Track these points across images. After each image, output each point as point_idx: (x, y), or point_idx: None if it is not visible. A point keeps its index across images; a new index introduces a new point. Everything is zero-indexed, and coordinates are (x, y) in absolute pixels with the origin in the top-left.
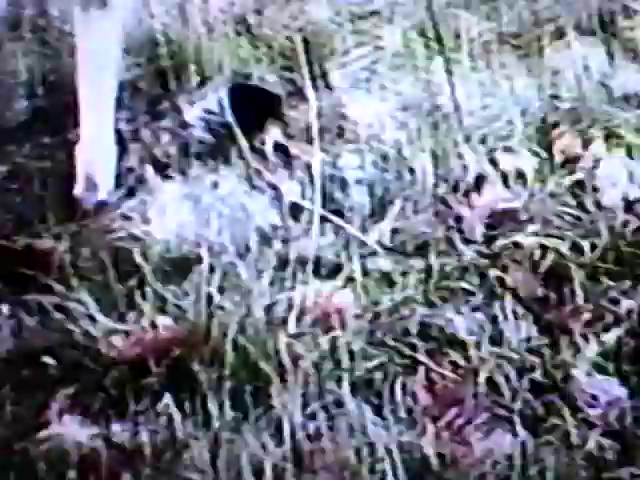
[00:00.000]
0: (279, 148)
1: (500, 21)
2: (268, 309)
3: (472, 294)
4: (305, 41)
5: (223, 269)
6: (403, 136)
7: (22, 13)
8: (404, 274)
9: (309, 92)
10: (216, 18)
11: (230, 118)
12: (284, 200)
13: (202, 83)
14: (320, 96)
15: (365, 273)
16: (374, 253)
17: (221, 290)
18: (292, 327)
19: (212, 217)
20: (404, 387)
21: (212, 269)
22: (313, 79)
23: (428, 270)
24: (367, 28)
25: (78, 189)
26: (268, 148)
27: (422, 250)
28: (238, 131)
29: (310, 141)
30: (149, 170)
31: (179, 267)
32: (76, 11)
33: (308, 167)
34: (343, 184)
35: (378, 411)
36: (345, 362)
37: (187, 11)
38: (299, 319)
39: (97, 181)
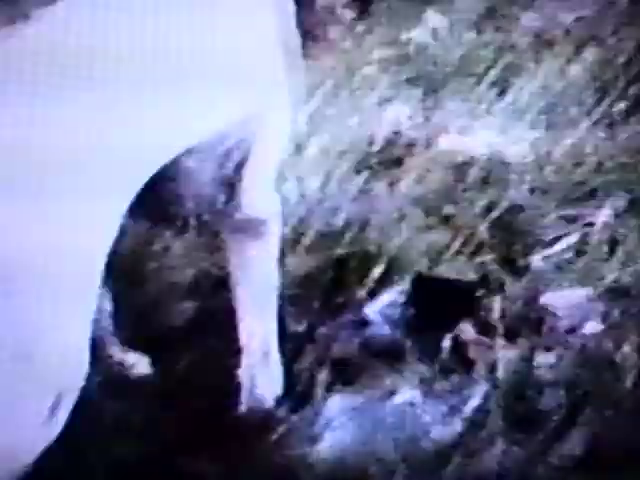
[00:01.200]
0: (457, 349)
1: None
2: None
3: None
4: (504, 229)
5: None
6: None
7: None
8: None
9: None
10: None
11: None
12: (464, 408)
13: (386, 274)
14: (515, 283)
15: None
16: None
17: None
18: None
19: (384, 430)
20: None
21: None
22: (510, 263)
23: None
24: (575, 213)
25: (243, 406)
26: (445, 349)
27: (623, 463)
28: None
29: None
30: (323, 374)
31: None
32: (228, 238)
33: (492, 368)
34: (536, 385)
35: None
36: None
37: (372, 197)
38: None
39: (261, 396)
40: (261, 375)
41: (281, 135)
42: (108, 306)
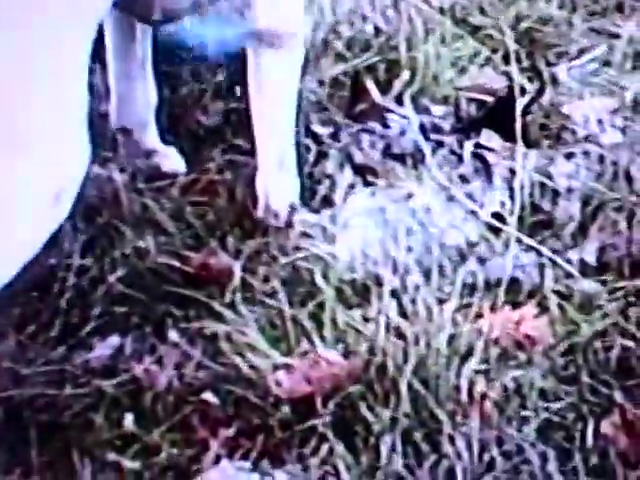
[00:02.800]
0: (477, 154)
1: None
2: (451, 340)
3: None
4: (531, 41)
5: (407, 292)
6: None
7: None
8: (609, 300)
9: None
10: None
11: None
12: (482, 213)
13: (412, 79)
14: (540, 92)
15: (563, 297)
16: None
17: (404, 316)
18: (476, 361)
19: (400, 233)
20: (597, 430)
21: (396, 292)
22: (536, 73)
23: (637, 294)
24: (602, 26)
25: (259, 212)
26: (466, 155)
27: (631, 269)
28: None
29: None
30: (344, 177)
31: (360, 290)
32: (248, 47)
33: (511, 173)
34: (553, 193)
35: (566, 458)
36: (531, 402)
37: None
38: (485, 352)
39: (276, 209)
40: (275, 186)
41: None
42: (154, 98)
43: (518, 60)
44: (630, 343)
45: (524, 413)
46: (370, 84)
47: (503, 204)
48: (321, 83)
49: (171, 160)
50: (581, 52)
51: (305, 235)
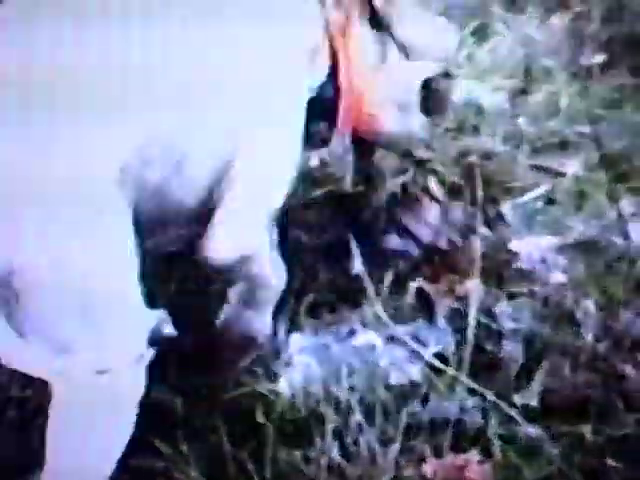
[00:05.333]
0: (420, 292)
1: None
2: None
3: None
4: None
5: (350, 432)
6: (567, 279)
7: None
8: (553, 443)
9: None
10: None
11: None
12: (425, 353)
13: None
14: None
15: (507, 442)
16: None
17: (346, 457)
18: None
19: (343, 372)
20: None
21: (338, 432)
22: (481, 208)
23: (580, 440)
24: (546, 164)
25: None
26: (410, 294)
27: (575, 415)
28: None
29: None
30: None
31: (302, 428)
32: None
33: (454, 313)
34: (497, 335)
35: None
36: None
37: None
38: None
39: None
40: None
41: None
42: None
43: (461, 195)
44: None
45: None
46: None
47: (446, 344)
48: None
49: None
50: (525, 190)
51: (247, 372)
